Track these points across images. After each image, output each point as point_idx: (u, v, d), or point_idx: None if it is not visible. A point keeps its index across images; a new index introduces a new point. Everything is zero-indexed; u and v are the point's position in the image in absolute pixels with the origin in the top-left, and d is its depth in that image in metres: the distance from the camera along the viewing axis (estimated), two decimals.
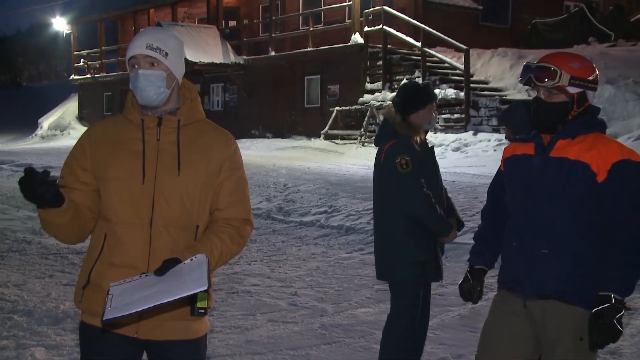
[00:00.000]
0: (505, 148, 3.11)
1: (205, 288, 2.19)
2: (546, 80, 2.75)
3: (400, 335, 4.20)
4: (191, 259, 2.34)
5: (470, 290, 3.07)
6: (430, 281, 4.23)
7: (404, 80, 18.26)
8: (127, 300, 2.21)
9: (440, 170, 4.35)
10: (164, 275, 2.30)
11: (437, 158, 4.37)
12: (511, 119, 4.28)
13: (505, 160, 3.03)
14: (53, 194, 2.23)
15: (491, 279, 3.16)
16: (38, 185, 2.18)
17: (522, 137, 3.01)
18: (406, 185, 4.05)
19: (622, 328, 2.65)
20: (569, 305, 2.76)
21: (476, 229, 3.26)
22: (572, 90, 2.76)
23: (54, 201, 2.28)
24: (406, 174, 4.02)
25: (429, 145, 4.28)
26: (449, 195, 4.42)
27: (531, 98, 2.87)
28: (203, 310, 2.35)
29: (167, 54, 2.46)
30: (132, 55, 2.47)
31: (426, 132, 4.27)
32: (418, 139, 4.17)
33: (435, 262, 4.18)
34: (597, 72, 2.83)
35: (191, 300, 2.33)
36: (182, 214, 2.47)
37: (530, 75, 2.79)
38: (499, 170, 3.12)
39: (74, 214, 2.39)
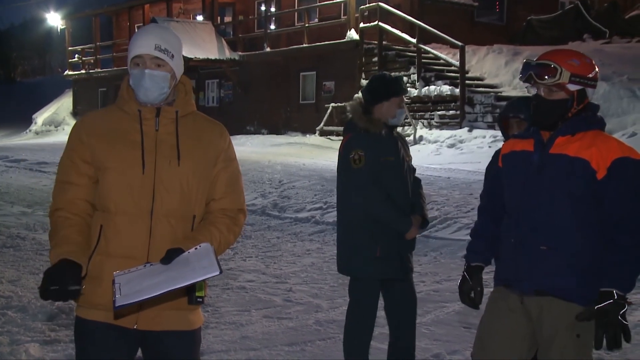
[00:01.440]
0: (503, 144, 3.11)
1: (217, 273, 2.24)
2: (546, 77, 2.75)
3: (350, 333, 4.14)
4: (195, 248, 2.38)
5: (470, 293, 3.05)
6: (393, 278, 4.12)
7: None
8: (136, 288, 2.24)
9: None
10: (170, 264, 2.33)
11: (410, 151, 4.26)
12: (525, 111, 4.04)
13: (504, 157, 3.02)
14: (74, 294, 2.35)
15: (486, 275, 3.15)
16: (58, 298, 2.35)
17: (521, 134, 3.00)
18: (357, 181, 3.99)
19: (626, 322, 2.63)
20: (566, 302, 2.75)
21: (472, 225, 3.24)
22: (572, 87, 2.76)
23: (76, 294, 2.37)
24: (358, 169, 3.97)
25: (395, 137, 4.12)
26: (422, 190, 4.24)
27: (530, 95, 2.86)
28: (201, 299, 2.42)
29: (173, 56, 2.49)
30: (138, 54, 2.46)
31: (393, 127, 4.13)
32: (383, 132, 4.04)
33: (397, 258, 4.07)
34: (597, 70, 2.83)
35: (189, 289, 2.38)
36: (182, 204, 2.49)
37: (530, 73, 2.78)
38: (496, 167, 3.11)
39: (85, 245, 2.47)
